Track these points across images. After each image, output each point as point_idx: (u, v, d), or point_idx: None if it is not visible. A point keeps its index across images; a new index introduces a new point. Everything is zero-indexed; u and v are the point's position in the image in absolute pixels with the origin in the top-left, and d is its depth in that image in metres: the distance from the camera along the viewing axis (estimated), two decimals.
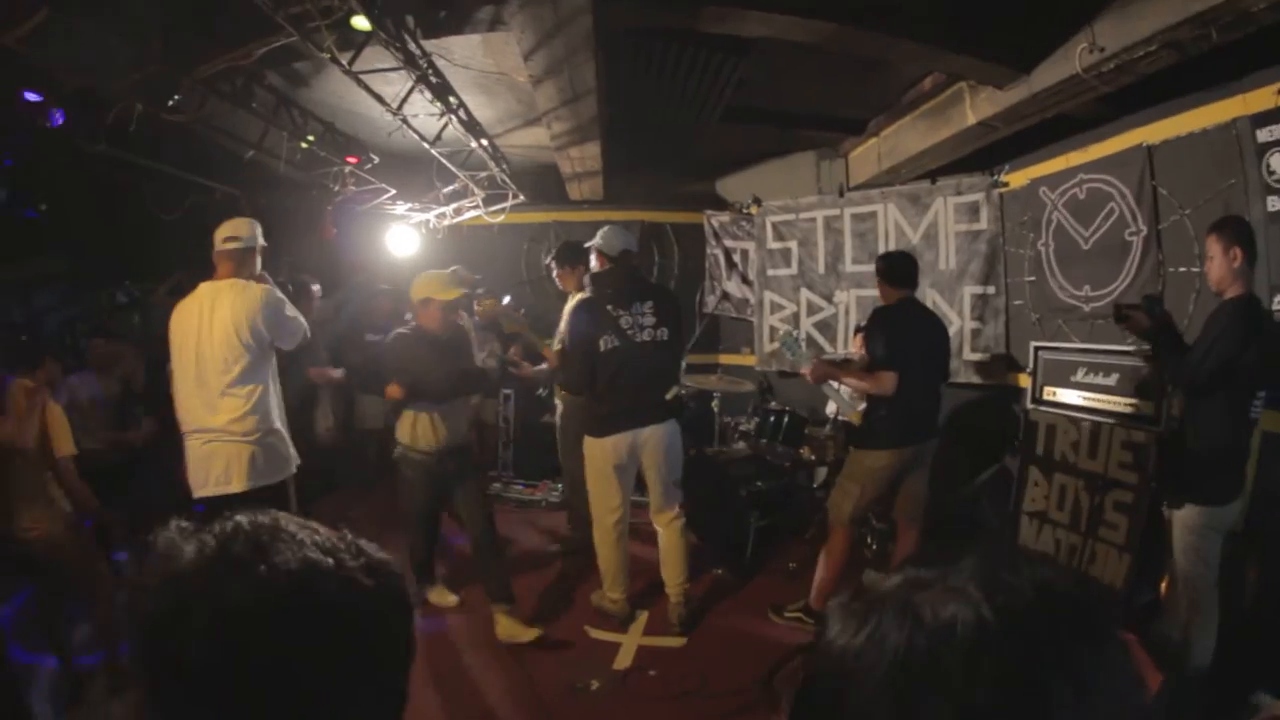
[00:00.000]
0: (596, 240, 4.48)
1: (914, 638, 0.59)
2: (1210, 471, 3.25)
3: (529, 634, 4.21)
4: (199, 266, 9.18)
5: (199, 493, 3.73)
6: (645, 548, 4.88)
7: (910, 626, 0.60)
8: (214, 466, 3.71)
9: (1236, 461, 3.27)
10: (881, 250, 6.44)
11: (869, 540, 5.26)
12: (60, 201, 7.09)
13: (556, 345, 5.08)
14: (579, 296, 4.86)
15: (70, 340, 9.62)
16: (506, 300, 5.10)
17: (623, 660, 4.11)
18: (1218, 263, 3.23)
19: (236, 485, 3.70)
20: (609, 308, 4.25)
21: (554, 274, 5.42)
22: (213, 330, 3.78)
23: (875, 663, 0.60)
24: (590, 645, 4.27)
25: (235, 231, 3.95)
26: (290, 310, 3.97)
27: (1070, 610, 0.62)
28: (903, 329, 4.25)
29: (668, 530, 4.50)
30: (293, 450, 3.99)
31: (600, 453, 4.36)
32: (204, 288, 3.94)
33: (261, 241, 4.05)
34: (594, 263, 4.60)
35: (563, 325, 5.27)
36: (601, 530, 4.47)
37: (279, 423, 3.91)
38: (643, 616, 4.58)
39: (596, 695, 3.75)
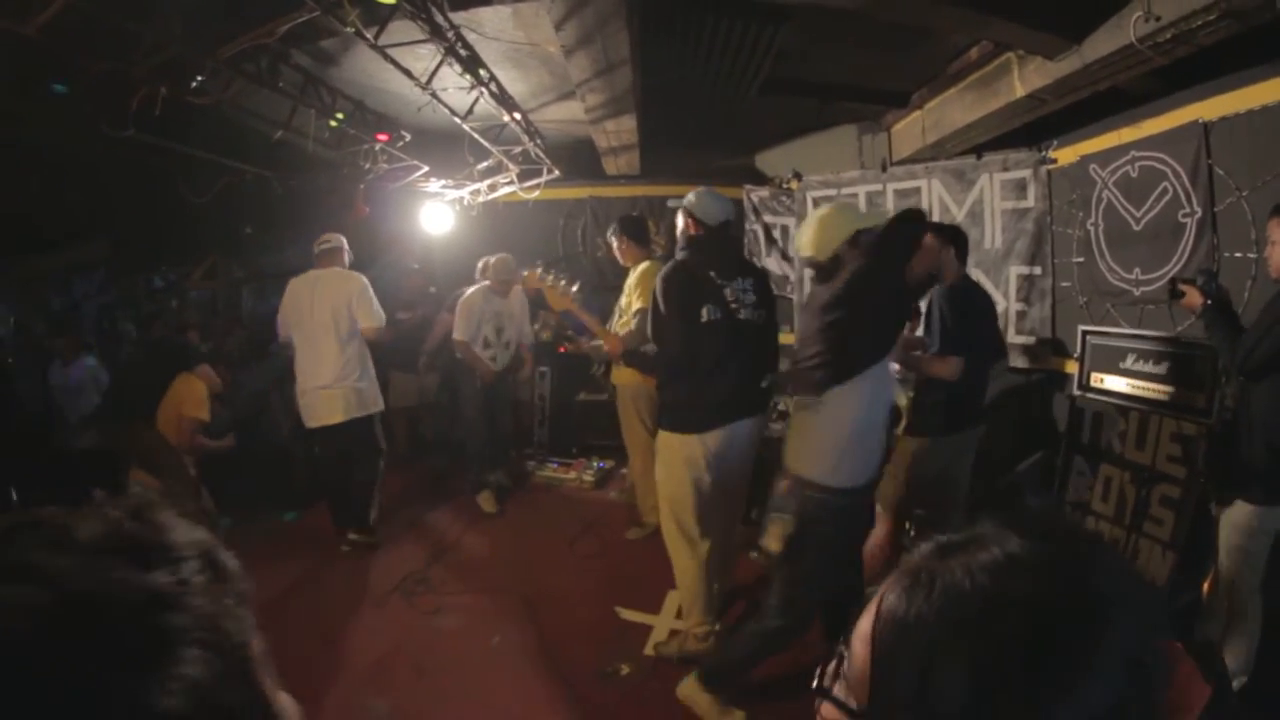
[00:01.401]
0: (689, 199, 3.77)
1: (973, 580, 0.66)
2: (1264, 468, 3.08)
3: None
4: (234, 249, 9.37)
5: (309, 424, 5.18)
6: None
7: (967, 573, 0.66)
8: (321, 408, 5.08)
9: None
10: None
11: (907, 526, 5.13)
12: (98, 189, 7.17)
13: (621, 322, 4.78)
14: (671, 261, 3.90)
15: (109, 325, 9.89)
16: (575, 288, 4.61)
17: (653, 645, 4.00)
18: None
19: (338, 418, 5.07)
20: (711, 274, 3.58)
21: (615, 247, 5.12)
22: (317, 307, 5.04)
23: (937, 615, 0.66)
24: (621, 627, 4.18)
25: (325, 237, 5.30)
26: (374, 300, 5.16)
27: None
28: (972, 310, 3.99)
29: (724, 536, 3.92)
30: (379, 394, 5.36)
31: (691, 453, 3.59)
32: (309, 274, 5.22)
33: (344, 244, 5.32)
34: (680, 224, 3.86)
35: (623, 300, 4.99)
36: (689, 546, 3.73)
37: (369, 374, 5.24)
38: (676, 596, 4.45)
39: (626, 681, 3.67)
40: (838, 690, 0.75)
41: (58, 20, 3.44)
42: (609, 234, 5.34)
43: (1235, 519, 3.15)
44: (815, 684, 0.77)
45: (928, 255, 3.81)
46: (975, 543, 0.69)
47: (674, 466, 3.67)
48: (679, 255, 3.72)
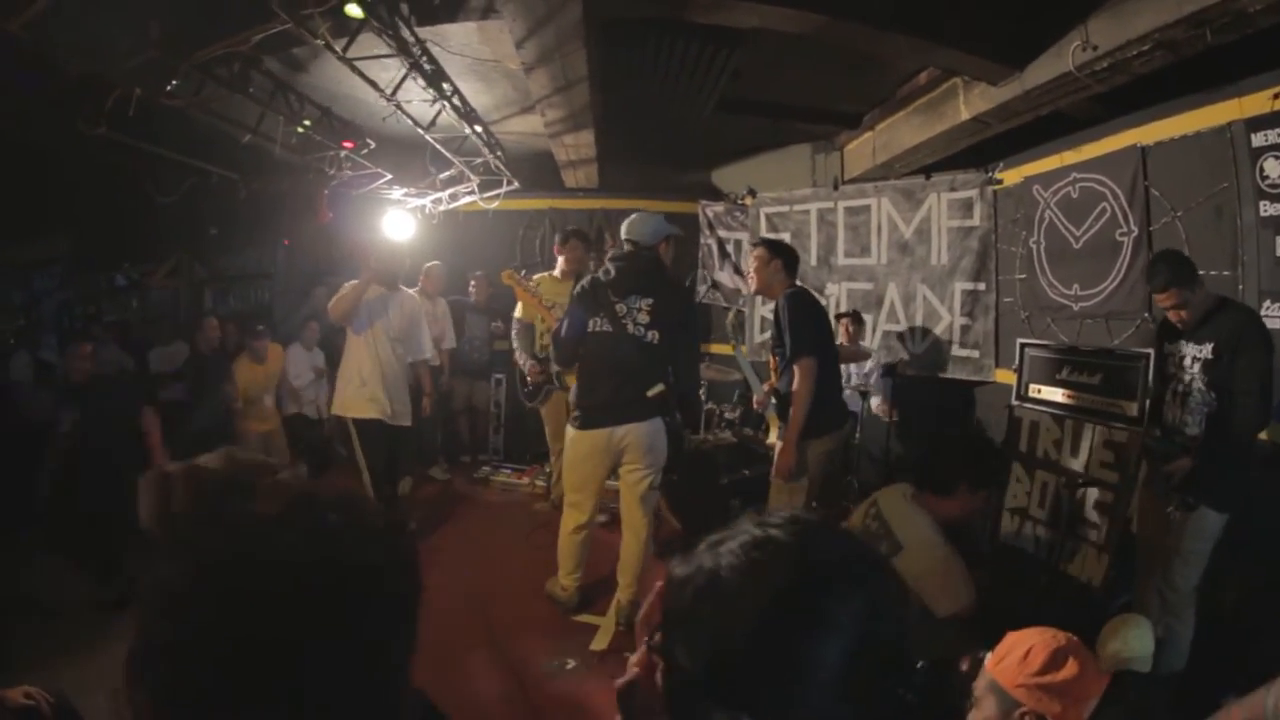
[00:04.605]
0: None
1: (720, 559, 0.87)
2: (1232, 479, 3.31)
3: None
4: (198, 249, 9.25)
5: None
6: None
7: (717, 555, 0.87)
8: None
9: (1249, 469, 3.34)
10: (874, 244, 6.47)
11: None
12: (61, 184, 7.11)
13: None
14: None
15: (68, 323, 9.73)
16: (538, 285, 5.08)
17: (599, 642, 4.13)
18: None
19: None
20: (608, 290, 4.03)
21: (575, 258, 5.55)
22: None
23: (695, 578, 0.87)
24: (572, 627, 4.30)
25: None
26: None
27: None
28: (818, 314, 4.27)
29: (631, 535, 4.29)
30: (343, 402, 5.18)
31: (577, 445, 4.18)
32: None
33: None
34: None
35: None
36: (565, 517, 4.37)
37: (341, 381, 5.23)
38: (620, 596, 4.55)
39: (570, 675, 3.81)
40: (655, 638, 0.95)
41: (41, 19, 3.46)
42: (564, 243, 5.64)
43: (1198, 525, 3.33)
44: (647, 638, 0.98)
45: (758, 268, 4.29)
46: (730, 535, 0.90)
47: (567, 454, 4.31)
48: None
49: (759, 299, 7.40)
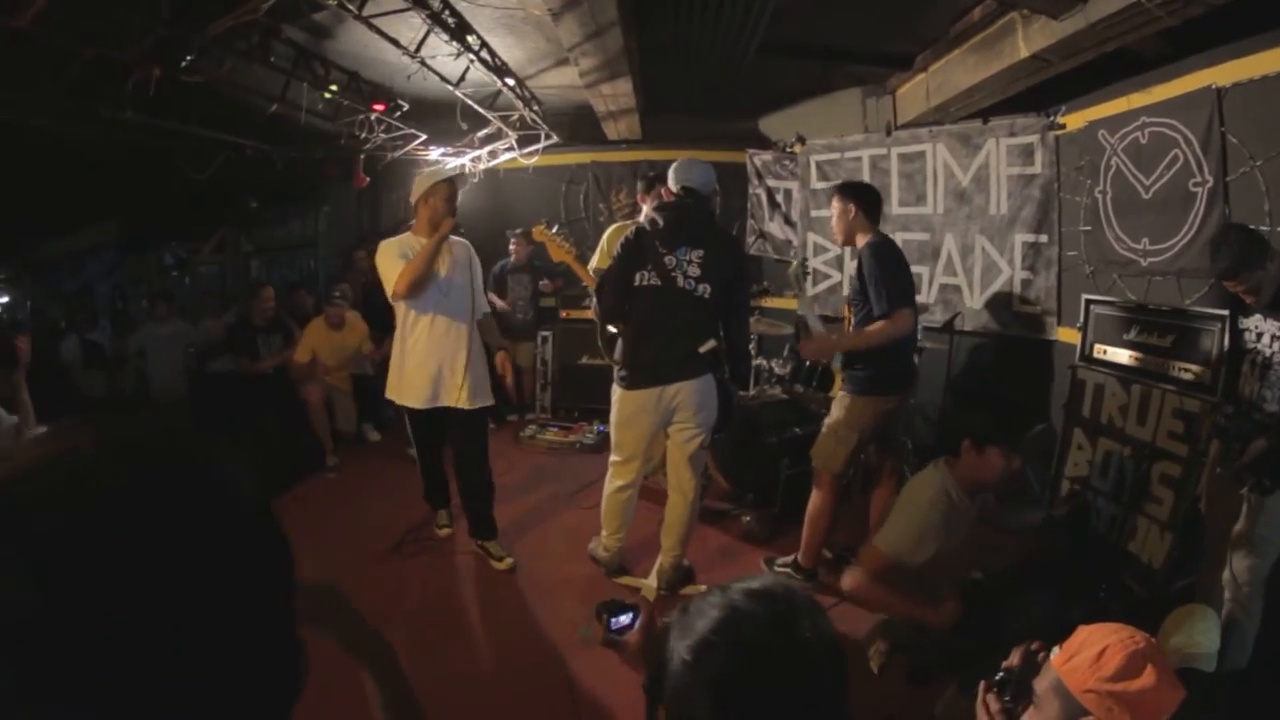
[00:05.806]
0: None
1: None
2: None
3: None
4: (241, 223, 9.44)
5: None
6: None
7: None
8: None
9: None
10: (930, 193, 6.15)
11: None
12: (102, 171, 7.23)
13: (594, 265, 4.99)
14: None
15: (121, 305, 10.03)
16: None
17: None
18: None
19: None
20: (656, 242, 3.87)
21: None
22: None
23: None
24: (611, 591, 4.23)
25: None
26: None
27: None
28: (905, 265, 4.08)
29: (678, 496, 4.16)
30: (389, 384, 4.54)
31: (624, 405, 4.06)
32: None
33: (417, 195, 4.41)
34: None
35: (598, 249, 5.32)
36: (611, 476, 4.25)
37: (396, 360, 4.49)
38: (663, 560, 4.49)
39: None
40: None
41: (47, 12, 3.47)
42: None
43: (1275, 511, 3.07)
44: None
45: (838, 218, 4.14)
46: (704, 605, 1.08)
47: (616, 412, 4.16)
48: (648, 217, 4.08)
49: (811, 250, 7.15)
